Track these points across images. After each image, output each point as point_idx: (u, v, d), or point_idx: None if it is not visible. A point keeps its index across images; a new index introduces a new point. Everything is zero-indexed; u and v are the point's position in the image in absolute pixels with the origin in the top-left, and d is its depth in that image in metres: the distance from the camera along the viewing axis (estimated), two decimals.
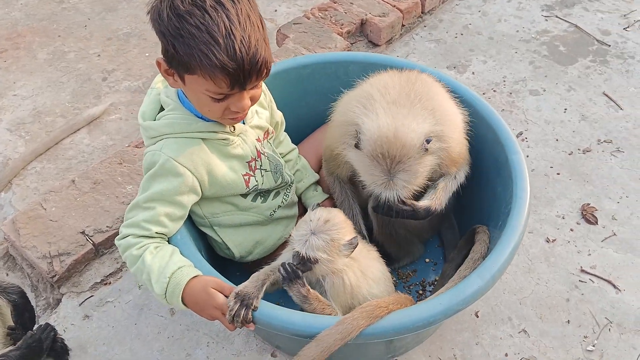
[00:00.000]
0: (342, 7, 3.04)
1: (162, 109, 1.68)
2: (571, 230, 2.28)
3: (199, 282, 1.51)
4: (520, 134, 2.63)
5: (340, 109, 1.82)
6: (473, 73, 2.95)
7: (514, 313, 2.03)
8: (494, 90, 2.85)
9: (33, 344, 1.63)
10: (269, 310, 1.49)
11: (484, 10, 3.32)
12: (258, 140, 1.78)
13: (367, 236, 1.94)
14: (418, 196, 1.72)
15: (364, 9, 3.02)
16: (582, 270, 2.15)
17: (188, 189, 1.62)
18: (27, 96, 2.84)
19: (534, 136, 2.63)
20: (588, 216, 2.31)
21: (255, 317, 1.48)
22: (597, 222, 2.29)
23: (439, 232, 2.18)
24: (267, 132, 1.84)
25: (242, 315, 1.45)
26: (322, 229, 1.55)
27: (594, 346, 1.94)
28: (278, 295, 1.72)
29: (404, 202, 1.67)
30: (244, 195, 1.79)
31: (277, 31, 2.96)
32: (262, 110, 1.84)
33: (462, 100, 1.87)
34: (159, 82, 1.72)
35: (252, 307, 1.47)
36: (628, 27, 3.18)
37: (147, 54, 3.07)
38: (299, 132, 2.18)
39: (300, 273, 1.55)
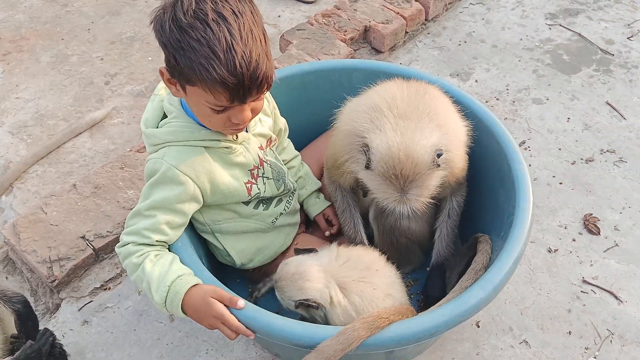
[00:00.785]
0: (346, 13, 3.04)
1: (165, 116, 1.68)
2: (573, 240, 2.27)
3: (199, 291, 1.50)
4: (523, 142, 2.63)
5: (344, 117, 1.80)
6: (476, 81, 2.94)
7: (515, 323, 2.02)
8: (497, 99, 2.84)
9: (32, 354, 1.62)
10: (269, 320, 1.48)
11: (487, 18, 3.32)
12: (261, 148, 1.78)
13: (368, 245, 1.93)
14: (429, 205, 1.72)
15: (368, 16, 3.02)
16: (584, 281, 2.14)
17: (189, 197, 1.61)
18: (29, 99, 2.84)
19: (536, 145, 2.62)
20: (590, 226, 2.30)
21: (255, 326, 1.47)
22: (599, 233, 2.28)
23: None
24: (270, 140, 1.83)
25: None
26: (283, 284, 1.63)
27: (595, 358, 1.93)
28: (277, 304, 1.72)
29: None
30: (246, 203, 1.79)
31: (281, 37, 2.96)
32: (265, 118, 1.83)
33: (466, 110, 1.86)
34: (162, 89, 1.72)
35: None
36: (632, 36, 3.17)
37: (150, 58, 3.06)
38: (301, 139, 2.17)
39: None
